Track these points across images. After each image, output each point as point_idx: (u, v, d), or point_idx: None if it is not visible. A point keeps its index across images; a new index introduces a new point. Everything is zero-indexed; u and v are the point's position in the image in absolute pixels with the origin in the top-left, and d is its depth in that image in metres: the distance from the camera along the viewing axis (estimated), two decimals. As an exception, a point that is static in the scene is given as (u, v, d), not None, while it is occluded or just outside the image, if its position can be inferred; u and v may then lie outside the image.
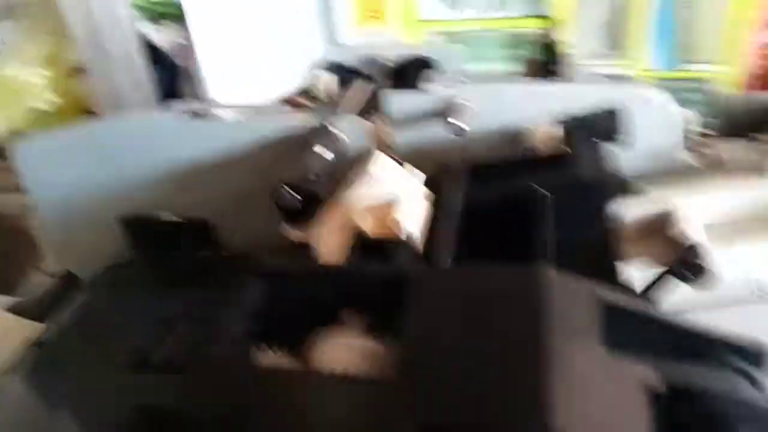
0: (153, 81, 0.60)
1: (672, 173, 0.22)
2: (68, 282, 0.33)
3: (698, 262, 0.19)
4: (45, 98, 0.63)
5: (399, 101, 0.24)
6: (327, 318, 0.13)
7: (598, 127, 0.22)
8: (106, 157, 0.27)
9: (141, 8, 0.68)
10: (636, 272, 0.19)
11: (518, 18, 0.57)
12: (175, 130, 0.25)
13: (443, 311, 0.12)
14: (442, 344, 0.11)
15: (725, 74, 0.57)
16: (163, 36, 0.70)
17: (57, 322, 0.21)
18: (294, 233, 0.20)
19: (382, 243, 0.16)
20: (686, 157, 0.22)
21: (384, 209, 0.18)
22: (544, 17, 0.57)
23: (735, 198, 0.21)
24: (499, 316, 0.11)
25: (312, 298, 0.13)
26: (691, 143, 0.23)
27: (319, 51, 0.39)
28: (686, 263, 0.19)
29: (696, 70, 0.59)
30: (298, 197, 0.19)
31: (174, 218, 0.29)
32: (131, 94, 0.60)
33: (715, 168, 0.22)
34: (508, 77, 0.24)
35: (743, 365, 0.12)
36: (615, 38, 0.58)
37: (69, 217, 0.26)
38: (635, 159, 0.23)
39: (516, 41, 0.57)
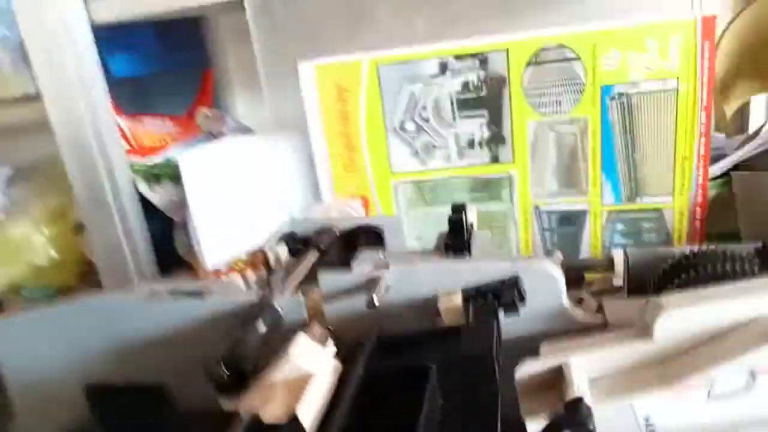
0: (147, 233, 0.67)
1: (562, 333, 0.25)
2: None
3: (580, 413, 0.21)
4: (45, 254, 0.68)
5: (330, 279, 0.28)
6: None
7: (501, 296, 0.25)
8: (69, 334, 0.31)
9: (138, 172, 0.76)
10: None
11: (480, 165, 0.64)
12: (132, 310, 0.29)
13: None
14: None
15: (673, 206, 0.61)
16: (158, 195, 0.77)
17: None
18: (225, 404, 0.23)
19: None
20: (575, 315, 0.26)
21: (298, 383, 0.21)
22: (503, 162, 0.65)
23: (619, 356, 0.24)
24: None
25: None
26: (584, 304, 0.26)
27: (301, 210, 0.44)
28: (571, 415, 0.21)
29: (649, 202, 0.63)
30: (227, 372, 0.22)
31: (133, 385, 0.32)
32: (126, 246, 0.66)
33: (602, 327, 0.25)
34: (423, 255, 0.28)
35: None
36: (569, 178, 0.64)
37: (37, 387, 0.29)
38: (533, 317, 0.26)
39: (479, 184, 0.64)
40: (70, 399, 0.32)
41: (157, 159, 0.78)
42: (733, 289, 0.23)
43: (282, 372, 0.22)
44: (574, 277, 0.30)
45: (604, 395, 0.23)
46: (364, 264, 0.27)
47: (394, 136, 0.66)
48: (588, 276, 0.32)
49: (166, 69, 0.82)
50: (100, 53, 0.66)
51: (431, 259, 0.27)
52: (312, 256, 0.32)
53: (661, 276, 0.25)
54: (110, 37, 0.68)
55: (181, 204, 0.74)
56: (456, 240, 0.27)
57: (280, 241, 0.35)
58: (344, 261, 0.29)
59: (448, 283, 0.26)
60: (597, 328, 0.26)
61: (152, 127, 0.83)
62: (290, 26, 0.66)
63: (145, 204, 0.73)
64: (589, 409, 0.22)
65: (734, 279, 0.25)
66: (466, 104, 0.64)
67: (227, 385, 0.23)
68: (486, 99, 0.63)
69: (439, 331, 0.24)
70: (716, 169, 0.67)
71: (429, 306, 0.26)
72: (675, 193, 0.63)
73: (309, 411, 0.20)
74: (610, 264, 0.31)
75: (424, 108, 0.64)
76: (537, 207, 0.65)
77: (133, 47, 0.77)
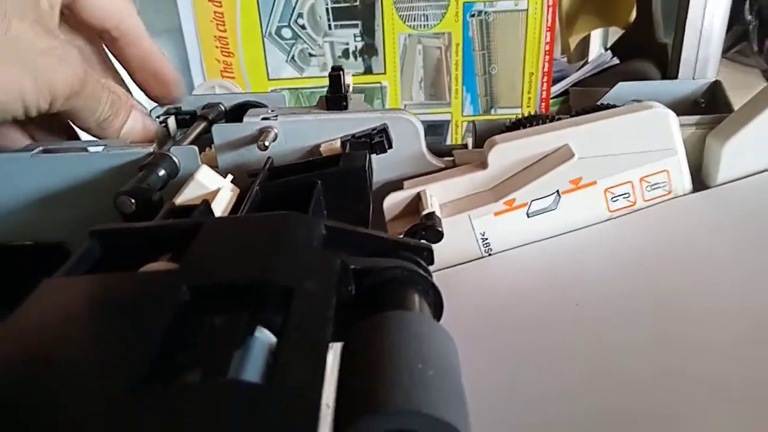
0: None
1: (419, 171, 0.32)
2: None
3: (432, 225, 0.28)
4: None
5: (222, 131, 0.32)
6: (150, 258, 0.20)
7: (373, 139, 0.31)
8: None
9: None
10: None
11: (354, 75, 0.69)
12: (30, 166, 0.31)
13: (218, 238, 0.19)
14: (215, 255, 0.19)
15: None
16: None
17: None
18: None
19: (191, 209, 0.23)
20: (432, 160, 0.32)
21: (202, 197, 0.25)
22: (375, 73, 0.70)
23: (462, 183, 0.31)
24: (255, 238, 0.19)
25: (138, 246, 0.20)
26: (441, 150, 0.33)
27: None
28: (425, 227, 0.28)
29: (501, 113, 0.73)
30: (134, 204, 0.26)
31: (31, 242, 0.34)
32: None
33: (451, 165, 0.32)
34: (307, 110, 0.32)
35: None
36: (434, 90, 0.71)
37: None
38: (399, 162, 0.32)
39: (354, 93, 0.69)
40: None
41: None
42: (546, 126, 0.31)
43: (188, 193, 0.26)
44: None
45: (449, 213, 0.30)
46: (254, 117, 0.32)
47: (271, 42, 0.68)
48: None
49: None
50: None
51: (314, 112, 0.32)
52: (200, 124, 0.35)
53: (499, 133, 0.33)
54: None
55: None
56: (335, 95, 0.32)
57: (167, 114, 0.38)
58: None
59: (328, 132, 0.31)
60: (448, 167, 0.33)
61: None
62: None
63: None
64: (438, 219, 0.29)
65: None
66: (340, 14, 0.68)
67: (135, 216, 0.27)
68: (359, 10, 0.67)
69: (320, 160, 0.30)
70: (558, 88, 0.77)
71: (313, 153, 0.32)
72: (523, 105, 0.72)
73: (217, 211, 0.25)
74: (465, 146, 0.39)
75: (301, 15, 0.67)
76: (406, 115, 0.72)
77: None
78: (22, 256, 0.36)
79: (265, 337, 0.17)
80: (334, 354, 0.16)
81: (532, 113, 0.39)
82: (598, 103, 0.39)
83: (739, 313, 0.26)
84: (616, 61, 0.77)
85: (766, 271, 0.27)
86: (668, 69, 0.67)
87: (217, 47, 0.69)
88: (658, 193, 0.29)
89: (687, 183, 0.30)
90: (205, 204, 0.24)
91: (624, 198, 0.29)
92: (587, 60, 0.90)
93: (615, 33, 0.94)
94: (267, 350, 0.16)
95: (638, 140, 0.29)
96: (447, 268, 0.32)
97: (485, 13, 0.68)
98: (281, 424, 0.13)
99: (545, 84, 0.72)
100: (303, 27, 0.68)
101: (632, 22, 0.86)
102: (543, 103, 0.73)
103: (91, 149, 0.32)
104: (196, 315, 0.17)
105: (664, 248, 0.29)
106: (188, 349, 0.16)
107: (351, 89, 0.34)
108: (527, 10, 0.68)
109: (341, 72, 0.31)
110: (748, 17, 0.95)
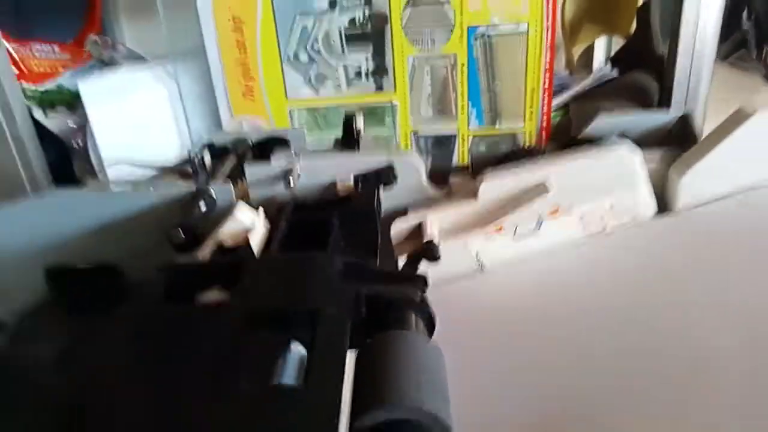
0: (43, 159, 0.68)
1: (421, 201, 0.38)
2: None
3: (431, 251, 0.33)
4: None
5: (254, 170, 0.38)
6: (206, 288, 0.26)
7: (380, 177, 0.36)
8: (33, 226, 0.39)
9: (32, 98, 0.78)
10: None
11: (366, 94, 0.75)
12: (91, 202, 0.37)
13: (259, 273, 0.25)
14: (258, 287, 0.24)
15: (524, 130, 0.76)
16: (54, 122, 0.79)
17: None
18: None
19: (235, 248, 0.29)
20: (430, 190, 0.38)
21: (241, 233, 0.31)
22: (386, 91, 0.76)
23: (457, 212, 0.36)
24: (289, 274, 0.25)
25: (193, 280, 0.26)
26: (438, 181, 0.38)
27: (203, 134, 0.52)
28: (426, 250, 0.33)
29: (505, 127, 0.78)
30: (183, 235, 0.32)
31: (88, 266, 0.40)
32: (24, 176, 0.67)
33: (448, 195, 0.38)
34: (324, 152, 0.38)
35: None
36: (442, 106, 0.77)
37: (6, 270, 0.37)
38: (401, 194, 0.38)
39: (366, 111, 0.75)
40: (32, 285, 0.39)
41: (49, 85, 0.80)
42: (530, 164, 0.36)
43: (228, 227, 0.31)
44: (442, 178, 0.42)
45: (448, 237, 0.35)
46: (280, 159, 0.37)
47: (289, 65, 0.74)
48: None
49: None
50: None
51: (330, 154, 0.38)
52: (232, 159, 0.41)
53: (493, 164, 0.38)
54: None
55: (78, 129, 0.77)
56: (348, 138, 0.37)
57: (202, 149, 0.44)
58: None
59: (343, 170, 0.37)
60: (446, 197, 0.38)
61: (41, 54, 0.84)
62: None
63: (40, 130, 0.75)
64: (436, 246, 0.34)
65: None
66: (353, 38, 0.73)
67: (184, 246, 0.32)
68: (371, 34, 0.73)
69: (337, 199, 0.35)
70: (561, 101, 0.82)
71: (330, 188, 0.37)
72: (525, 119, 0.77)
73: (254, 244, 0.30)
74: (467, 168, 0.44)
75: (316, 40, 0.73)
76: (415, 132, 0.78)
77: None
78: (84, 276, 0.42)
79: (298, 350, 0.23)
80: (350, 362, 0.22)
81: (524, 147, 0.45)
82: (580, 136, 0.44)
83: (699, 312, 0.31)
84: (615, 74, 0.81)
85: (713, 280, 0.32)
86: (664, 79, 0.71)
87: (239, 71, 0.75)
88: (625, 219, 0.34)
89: (650, 209, 0.35)
90: (246, 242, 0.30)
91: (596, 224, 0.35)
92: (591, 70, 0.94)
93: (618, 44, 0.98)
94: (300, 360, 0.22)
95: (607, 176, 0.34)
96: (448, 281, 0.37)
97: (488, 36, 0.73)
98: (314, 416, 0.18)
99: (546, 99, 0.77)
100: (318, 51, 0.74)
101: (632, 35, 0.90)
102: (545, 117, 0.78)
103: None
104: (246, 334, 0.23)
105: (630, 265, 0.34)
106: (243, 361, 0.22)
107: (362, 131, 0.39)
108: (527, 32, 0.73)
109: (354, 118, 0.37)
110: (746, 25, 0.99)
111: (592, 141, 0.38)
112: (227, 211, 0.34)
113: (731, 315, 0.31)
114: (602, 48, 1.04)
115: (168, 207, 0.37)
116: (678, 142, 0.39)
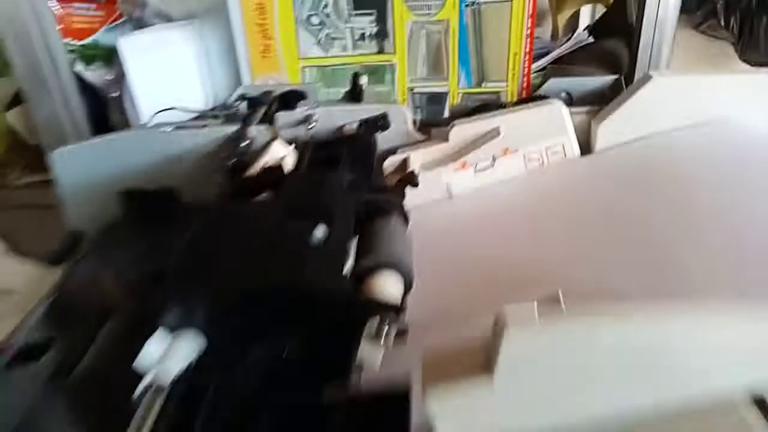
0: (84, 108, 0.78)
1: (407, 142, 0.51)
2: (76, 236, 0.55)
3: (413, 178, 0.46)
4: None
5: (283, 116, 0.50)
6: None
7: (378, 122, 0.49)
8: (114, 156, 0.51)
9: (73, 52, 0.89)
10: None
11: (369, 54, 0.86)
12: (161, 139, 0.50)
13: (294, 184, 0.38)
14: (293, 194, 0.38)
15: (507, 89, 0.88)
16: (93, 74, 0.90)
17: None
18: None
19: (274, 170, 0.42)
20: (415, 135, 0.51)
21: (278, 160, 0.44)
22: (386, 53, 0.87)
23: (433, 151, 0.49)
24: (313, 184, 0.38)
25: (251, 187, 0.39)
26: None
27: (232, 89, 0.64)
28: (409, 179, 0.46)
29: (491, 86, 0.89)
30: (235, 163, 0.45)
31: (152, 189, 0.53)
32: (67, 123, 0.76)
33: (428, 139, 0.51)
34: (336, 102, 0.51)
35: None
36: (435, 67, 0.88)
37: (86, 198, 0.50)
38: (393, 137, 0.51)
39: (368, 70, 0.86)
40: (108, 203, 0.52)
41: (88, 41, 0.91)
42: (488, 114, 0.48)
43: (269, 155, 0.44)
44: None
45: (426, 170, 0.48)
46: (302, 107, 0.50)
47: (302, 27, 0.85)
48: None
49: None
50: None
51: (340, 105, 0.50)
52: (262, 108, 0.53)
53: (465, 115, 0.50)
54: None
55: (115, 82, 0.88)
56: (355, 92, 0.50)
57: (238, 99, 0.56)
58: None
59: (349, 117, 0.49)
60: (426, 140, 0.51)
61: (81, 12, 0.94)
62: None
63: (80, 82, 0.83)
64: (417, 176, 0.47)
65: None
66: (359, 4, 0.84)
67: (235, 171, 0.45)
68: (374, 1, 0.83)
69: (345, 137, 0.48)
70: (540, 63, 0.93)
71: (339, 131, 0.50)
72: (508, 79, 0.88)
73: (286, 168, 0.43)
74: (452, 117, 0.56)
75: (326, 5, 0.83)
76: (411, 89, 0.89)
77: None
78: (149, 197, 0.55)
79: (321, 230, 0.36)
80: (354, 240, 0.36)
81: (487, 102, 0.57)
82: (534, 94, 0.56)
83: (606, 222, 0.43)
84: (591, 40, 0.92)
85: (619, 200, 0.44)
86: (631, 45, 0.81)
87: (258, 32, 0.86)
88: (557, 158, 0.46)
89: (576, 151, 0.47)
90: (281, 166, 0.42)
91: (536, 161, 0.47)
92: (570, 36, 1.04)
93: (600, 12, 1.07)
94: (323, 236, 0.35)
95: (543, 124, 0.46)
96: (426, 205, 0.50)
97: (477, 3, 0.84)
98: (332, 262, 0.32)
99: (527, 62, 0.88)
100: (328, 15, 0.85)
101: (611, 4, 0.99)
102: (525, 78, 0.89)
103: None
104: (287, 219, 0.36)
105: (561, 190, 0.47)
106: (287, 233, 0.35)
107: (365, 86, 0.52)
108: (512, 1, 0.83)
109: (359, 76, 0.49)
110: (715, -4, 1.08)
111: (545, 98, 0.50)
112: (265, 146, 0.46)
113: (632, 227, 0.44)
114: (587, 17, 1.12)
115: (218, 144, 0.49)
116: (609, 101, 0.51)
